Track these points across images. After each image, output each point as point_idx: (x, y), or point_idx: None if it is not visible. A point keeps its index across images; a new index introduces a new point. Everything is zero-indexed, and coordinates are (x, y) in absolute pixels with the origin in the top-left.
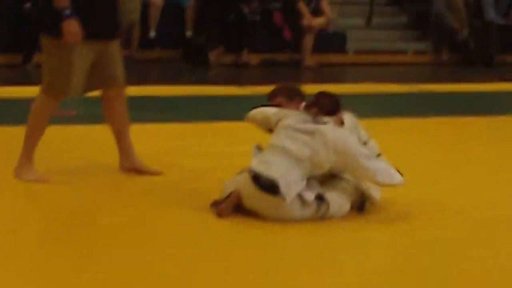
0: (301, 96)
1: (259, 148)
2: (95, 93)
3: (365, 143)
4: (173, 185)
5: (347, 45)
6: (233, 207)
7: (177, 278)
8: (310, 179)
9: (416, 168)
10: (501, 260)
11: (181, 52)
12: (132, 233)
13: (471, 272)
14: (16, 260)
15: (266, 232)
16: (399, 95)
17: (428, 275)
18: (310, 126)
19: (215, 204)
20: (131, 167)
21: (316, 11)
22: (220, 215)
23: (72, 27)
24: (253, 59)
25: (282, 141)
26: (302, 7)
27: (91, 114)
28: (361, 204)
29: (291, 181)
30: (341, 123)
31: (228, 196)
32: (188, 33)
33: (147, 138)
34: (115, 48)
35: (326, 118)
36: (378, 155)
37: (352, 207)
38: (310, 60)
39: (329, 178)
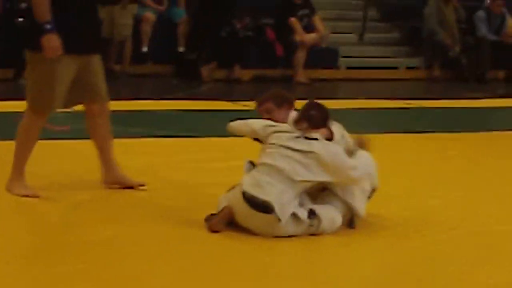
0: (290, 103)
1: (251, 164)
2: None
3: (352, 153)
4: (164, 200)
5: (339, 61)
6: (225, 222)
7: None
8: (302, 194)
9: (407, 183)
10: (491, 274)
11: (173, 67)
12: (121, 248)
13: (462, 287)
14: (1, 274)
15: (257, 246)
16: (391, 111)
17: None
18: (302, 144)
19: (209, 219)
20: (114, 181)
21: (309, 27)
22: (211, 229)
23: (52, 42)
24: (245, 74)
25: (275, 160)
26: (295, 23)
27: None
28: (350, 220)
29: (285, 201)
30: (330, 133)
31: (221, 211)
32: (180, 49)
33: (138, 152)
34: (97, 62)
35: (315, 133)
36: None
37: (342, 223)
38: (302, 75)
39: (320, 191)
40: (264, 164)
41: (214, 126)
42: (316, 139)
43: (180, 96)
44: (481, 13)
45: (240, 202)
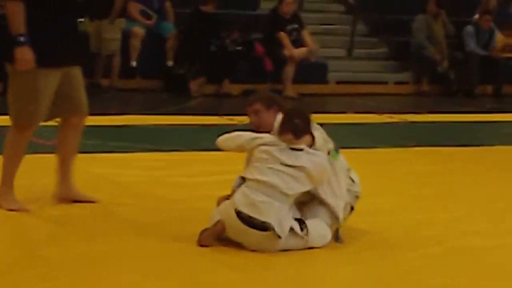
0: (279, 106)
1: (242, 179)
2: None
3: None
4: (152, 214)
5: (328, 76)
6: (216, 236)
7: None
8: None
9: (395, 197)
10: None
11: (162, 82)
12: (107, 263)
13: None
14: None
15: (249, 260)
16: (380, 126)
17: None
18: (290, 156)
19: (202, 233)
20: (67, 196)
21: (298, 42)
22: (200, 243)
23: (25, 54)
24: (234, 89)
25: (267, 176)
26: (284, 37)
27: None
28: (335, 233)
29: (282, 217)
30: (312, 139)
31: (214, 226)
32: (169, 63)
33: (127, 167)
34: (78, 75)
35: (301, 144)
36: (348, 169)
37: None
38: (291, 90)
39: (308, 200)
40: (255, 180)
41: (203, 140)
42: (301, 149)
43: (169, 111)
44: (469, 28)
45: (234, 220)
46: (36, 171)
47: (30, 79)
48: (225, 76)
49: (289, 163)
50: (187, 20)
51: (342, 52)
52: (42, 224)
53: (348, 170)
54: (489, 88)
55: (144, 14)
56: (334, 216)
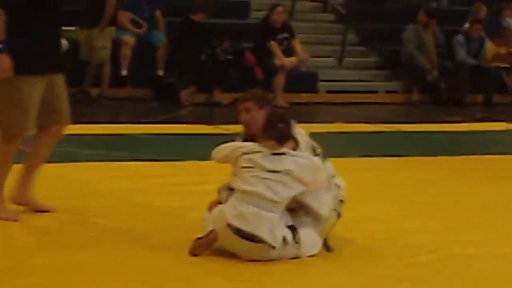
0: (271, 106)
1: (229, 189)
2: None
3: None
4: (141, 223)
5: (319, 85)
6: (208, 246)
7: None
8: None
9: (385, 206)
10: None
11: (152, 91)
12: (96, 272)
13: None
14: None
15: (240, 270)
16: (370, 135)
17: None
18: (273, 162)
19: (195, 242)
20: (21, 201)
21: (288, 51)
22: (191, 252)
23: (2, 62)
24: (225, 98)
25: (254, 186)
26: (274, 46)
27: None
28: (324, 242)
29: (274, 227)
30: (296, 143)
31: (206, 236)
32: (160, 72)
33: (116, 176)
34: (60, 83)
35: (284, 148)
36: (333, 175)
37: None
38: (281, 99)
39: (297, 208)
40: (242, 191)
41: (194, 149)
42: (284, 153)
43: (159, 120)
44: (460, 37)
45: (226, 231)
46: None
47: (15, 87)
48: (215, 85)
49: (273, 168)
50: (177, 29)
51: (332, 61)
52: (32, 232)
53: (333, 176)
54: (479, 97)
55: (134, 23)
56: (320, 222)
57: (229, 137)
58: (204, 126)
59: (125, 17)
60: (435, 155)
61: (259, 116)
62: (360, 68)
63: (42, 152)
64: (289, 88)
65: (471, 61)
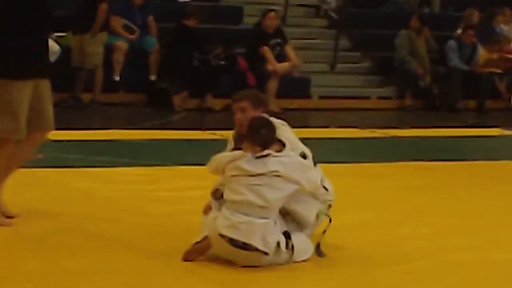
0: (265, 106)
1: (217, 199)
2: (57, 137)
3: (303, 156)
4: (136, 228)
5: (311, 90)
6: (201, 252)
7: None
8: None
9: (377, 212)
10: None
11: (145, 96)
12: (92, 278)
13: None
14: None
15: (234, 276)
16: (363, 140)
17: None
18: (258, 165)
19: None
20: None
21: (281, 56)
22: (186, 258)
23: None
24: (217, 103)
25: (242, 195)
26: (267, 52)
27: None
28: (317, 247)
29: (267, 233)
30: (282, 144)
31: (200, 242)
32: (152, 77)
33: (110, 181)
34: (46, 88)
35: (267, 150)
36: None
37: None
38: (274, 104)
39: (285, 214)
40: (232, 201)
41: (186, 155)
42: (267, 155)
43: (152, 125)
44: (452, 43)
45: (219, 241)
46: (17, 186)
47: (4, 92)
48: (208, 90)
49: (259, 171)
50: (170, 35)
51: (325, 67)
52: (25, 238)
53: (322, 179)
54: (471, 103)
55: (127, 28)
56: (304, 228)
57: (222, 142)
58: (197, 132)
59: (117, 22)
60: (428, 161)
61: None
62: (353, 74)
63: (19, 158)
64: (281, 93)
65: (464, 67)
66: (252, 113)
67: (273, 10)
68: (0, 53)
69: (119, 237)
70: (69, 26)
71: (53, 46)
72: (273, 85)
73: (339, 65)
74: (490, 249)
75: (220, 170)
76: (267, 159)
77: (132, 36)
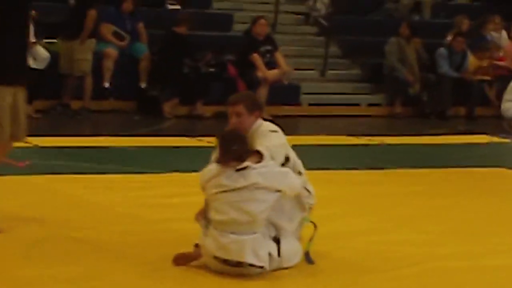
0: (261, 110)
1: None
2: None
3: (287, 158)
4: (125, 236)
5: (301, 97)
6: (191, 260)
7: None
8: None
9: (368, 219)
10: None
11: (135, 103)
12: (88, 284)
13: None
14: None
15: (226, 284)
16: (353, 147)
17: None
18: (237, 179)
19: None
20: None
21: (271, 63)
22: (176, 262)
23: None
24: (207, 111)
25: (226, 214)
26: (257, 59)
27: (46, 164)
28: (306, 255)
29: (257, 247)
30: (260, 156)
31: (193, 252)
32: (142, 84)
33: (100, 188)
34: (23, 98)
35: (246, 163)
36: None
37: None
38: (264, 112)
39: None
40: (218, 222)
41: (176, 162)
42: (246, 167)
43: (142, 132)
44: (442, 50)
45: (213, 262)
46: (6, 193)
47: None
48: (198, 97)
49: (239, 185)
50: (160, 42)
51: (315, 74)
52: (16, 245)
53: (305, 183)
54: (461, 110)
55: (117, 35)
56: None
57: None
58: (187, 139)
59: (107, 29)
60: (418, 168)
61: (249, 121)
62: (343, 81)
63: None
64: (271, 100)
65: (454, 74)
66: (247, 118)
67: (263, 17)
68: None
69: (109, 244)
70: (58, 32)
71: (42, 52)
72: (263, 92)
73: (329, 72)
74: (480, 256)
75: (202, 188)
76: (246, 171)
77: (122, 43)
